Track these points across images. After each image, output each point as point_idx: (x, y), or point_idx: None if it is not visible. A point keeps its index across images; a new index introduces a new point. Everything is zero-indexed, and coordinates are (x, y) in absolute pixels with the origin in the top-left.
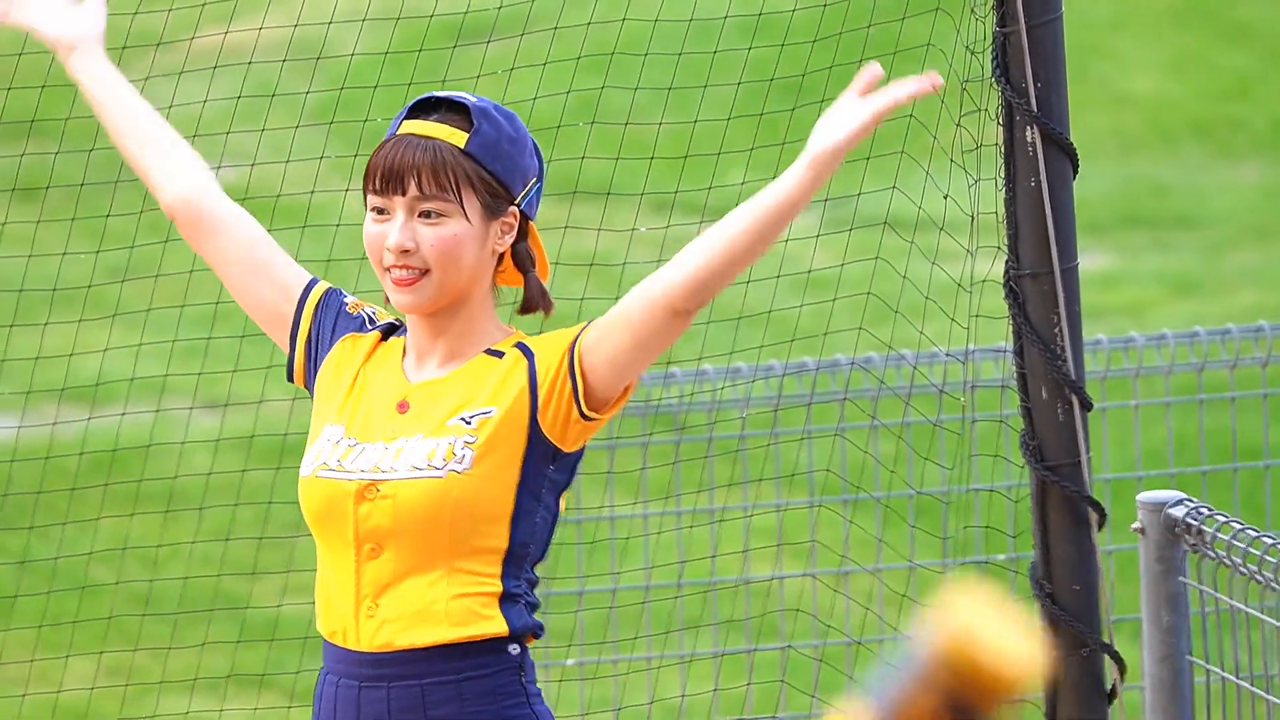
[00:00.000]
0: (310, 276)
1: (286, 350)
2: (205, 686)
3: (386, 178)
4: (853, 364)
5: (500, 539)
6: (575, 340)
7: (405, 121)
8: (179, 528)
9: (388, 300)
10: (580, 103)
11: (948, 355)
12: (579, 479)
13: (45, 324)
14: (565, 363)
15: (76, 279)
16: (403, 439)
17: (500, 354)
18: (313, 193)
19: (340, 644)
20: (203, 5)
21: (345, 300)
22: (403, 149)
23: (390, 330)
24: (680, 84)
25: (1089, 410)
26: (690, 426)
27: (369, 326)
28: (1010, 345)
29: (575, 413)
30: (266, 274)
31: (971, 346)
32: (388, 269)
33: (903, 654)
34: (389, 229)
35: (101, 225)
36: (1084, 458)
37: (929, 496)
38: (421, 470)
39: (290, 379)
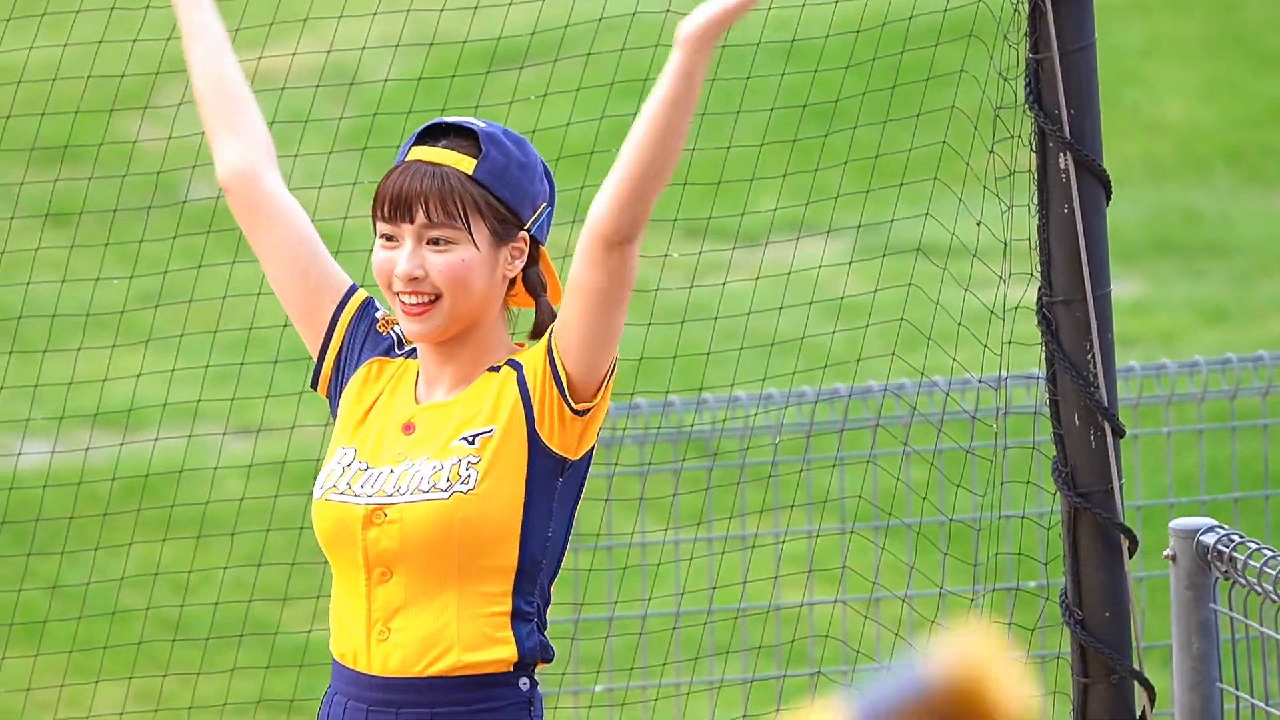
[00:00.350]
0: (350, 282)
1: (315, 354)
2: (235, 712)
3: (394, 205)
4: (885, 390)
5: (510, 557)
6: (548, 337)
7: (414, 148)
8: (210, 553)
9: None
10: (613, 129)
11: (980, 382)
12: (609, 505)
13: (78, 349)
14: (545, 362)
15: (109, 304)
16: (409, 461)
17: (497, 369)
18: (345, 218)
19: (351, 666)
20: (234, 31)
21: (377, 315)
22: (410, 176)
23: (412, 351)
24: (713, 110)
25: (1121, 437)
26: (722, 452)
27: (396, 351)
28: (1043, 372)
29: (566, 410)
30: (312, 273)
31: (1004, 373)
32: (397, 294)
33: (903, 673)
34: (397, 256)
35: (134, 250)
36: (1116, 484)
37: (960, 523)
38: (427, 493)
39: (314, 386)
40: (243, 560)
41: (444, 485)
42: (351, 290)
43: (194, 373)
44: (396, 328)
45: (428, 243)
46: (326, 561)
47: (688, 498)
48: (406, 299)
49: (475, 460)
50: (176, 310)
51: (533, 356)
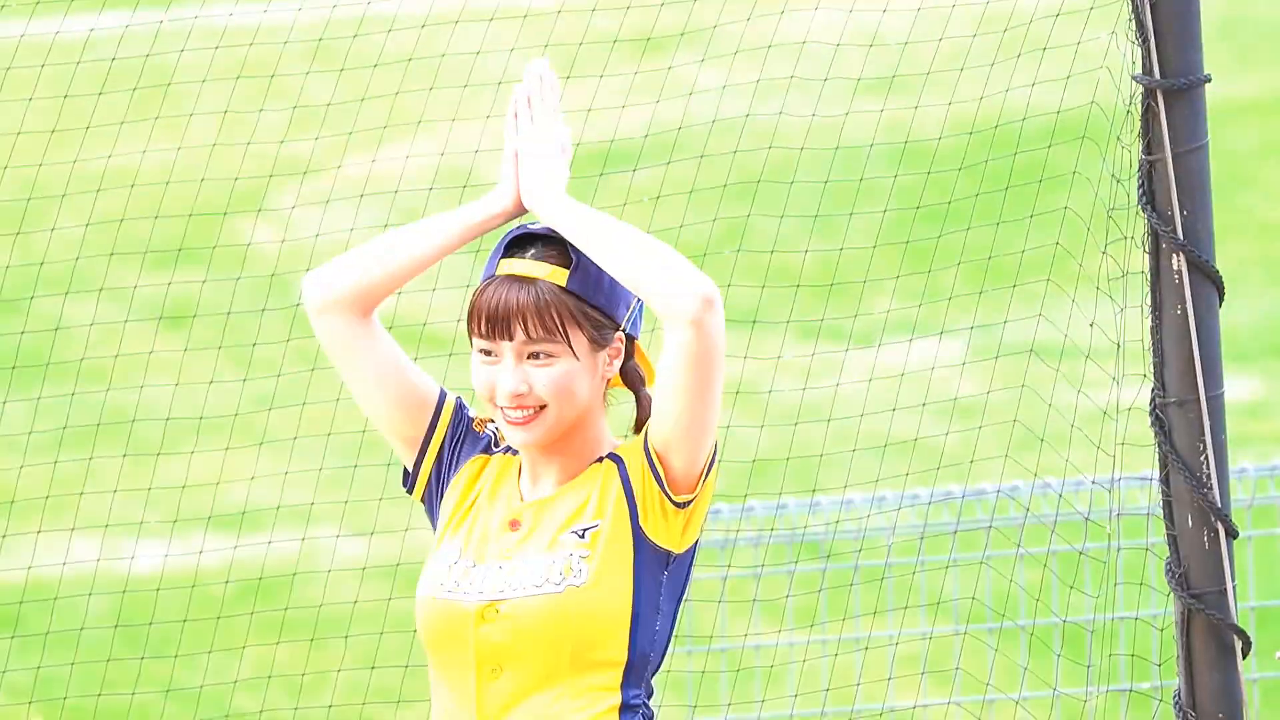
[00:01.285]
0: (438, 389)
1: (410, 462)
2: None
3: (492, 323)
4: (999, 492)
5: (620, 651)
6: (645, 432)
7: (503, 260)
8: (325, 655)
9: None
10: (727, 230)
11: (1094, 483)
12: (723, 606)
13: (192, 452)
14: (644, 456)
15: (223, 407)
16: (518, 557)
17: (599, 461)
18: (460, 320)
19: None
20: (350, 134)
21: (470, 416)
22: (505, 293)
23: (500, 449)
24: (826, 211)
25: (1234, 538)
26: (836, 554)
27: (494, 449)
28: (1156, 473)
29: (668, 503)
30: (403, 392)
31: (1117, 474)
32: (500, 408)
33: None
34: (498, 373)
35: (249, 354)
36: (1229, 585)
37: (1074, 624)
38: (540, 587)
39: (409, 490)
40: (357, 662)
41: (556, 579)
42: (442, 397)
43: (308, 475)
44: (491, 426)
45: (528, 357)
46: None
47: (801, 599)
48: (511, 412)
49: (585, 554)
50: (290, 413)
51: (633, 450)
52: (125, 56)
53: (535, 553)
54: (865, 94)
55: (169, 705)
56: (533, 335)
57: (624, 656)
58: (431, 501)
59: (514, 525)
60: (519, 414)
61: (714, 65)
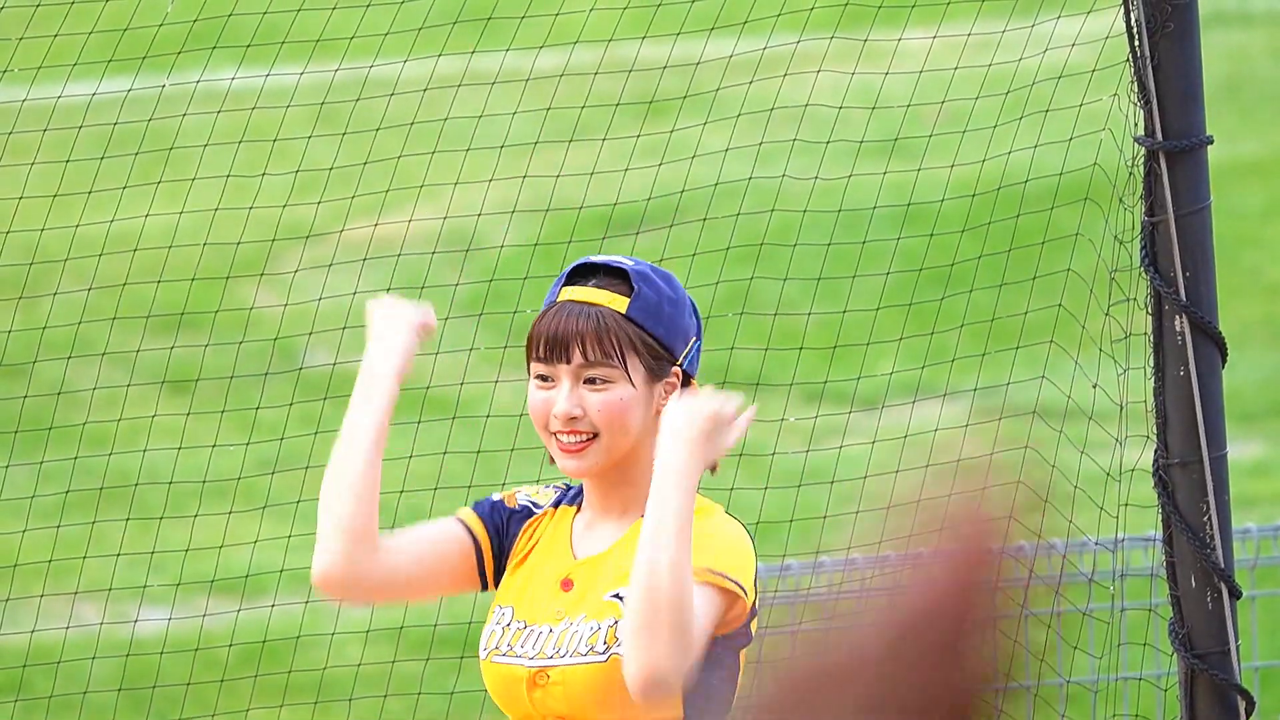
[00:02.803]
0: (455, 520)
1: (481, 588)
2: None
3: (550, 346)
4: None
5: (675, 708)
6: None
7: (565, 288)
8: (328, 719)
9: (552, 461)
10: (730, 293)
11: (1097, 544)
12: None
13: (195, 516)
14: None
15: (227, 471)
16: (567, 620)
17: None
18: (462, 384)
19: None
20: (352, 197)
21: (497, 500)
22: (565, 316)
23: (558, 500)
24: (830, 274)
25: (1238, 598)
26: (839, 615)
27: (535, 509)
28: (1159, 534)
29: None
30: (444, 560)
31: (1121, 535)
32: (554, 434)
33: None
34: (555, 396)
35: (252, 417)
36: (1233, 646)
37: (1079, 685)
38: (585, 656)
39: (486, 589)
40: None
41: (601, 648)
42: (468, 528)
43: (312, 538)
44: (521, 496)
45: (584, 382)
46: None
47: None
48: (564, 438)
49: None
50: (294, 476)
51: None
52: (127, 121)
53: (583, 616)
54: (868, 156)
55: None
56: (590, 358)
57: (680, 712)
58: (498, 581)
59: (566, 585)
60: (571, 440)
61: (716, 128)
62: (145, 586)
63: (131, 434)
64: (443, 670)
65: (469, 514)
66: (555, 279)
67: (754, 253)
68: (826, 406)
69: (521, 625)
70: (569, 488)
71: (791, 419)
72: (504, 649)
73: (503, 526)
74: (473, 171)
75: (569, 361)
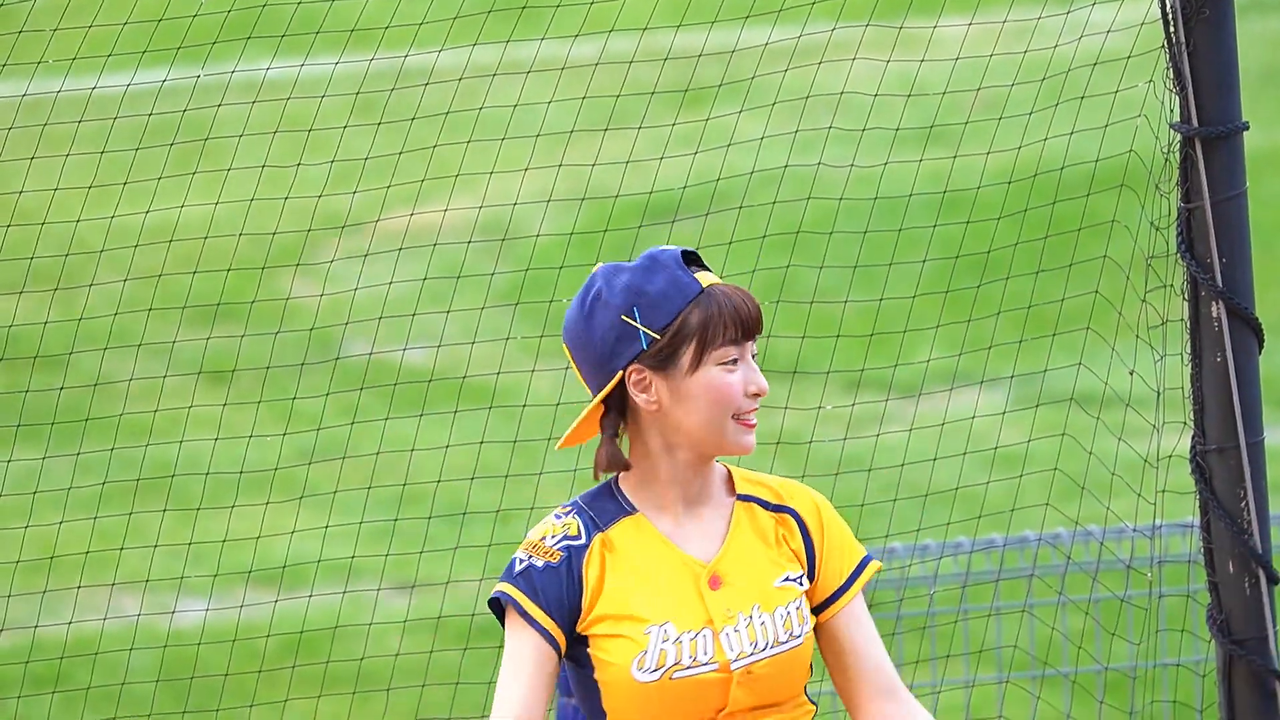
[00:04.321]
0: (538, 640)
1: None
2: None
3: (748, 326)
4: (1040, 540)
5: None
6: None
7: (699, 273)
8: (368, 709)
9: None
10: (768, 281)
11: (1135, 531)
12: None
13: (233, 506)
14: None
15: (265, 461)
16: (743, 615)
17: (748, 499)
18: (499, 373)
19: None
20: (389, 187)
21: (540, 567)
22: (742, 299)
23: (590, 532)
24: (867, 261)
25: (1275, 584)
26: (879, 604)
27: (577, 542)
28: (1197, 520)
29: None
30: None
31: (1158, 522)
32: (741, 415)
33: None
34: (747, 375)
35: (289, 407)
36: (1270, 631)
37: (1117, 672)
38: (786, 644)
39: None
40: (400, 716)
41: (797, 631)
42: (552, 643)
43: (350, 528)
44: (551, 542)
45: (753, 358)
46: (483, 717)
47: None
48: (750, 416)
49: (800, 604)
50: (332, 466)
51: (830, 532)
52: (163, 111)
53: (759, 606)
54: (905, 144)
55: None
56: (758, 336)
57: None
58: (573, 625)
59: (715, 583)
60: (754, 416)
61: (753, 116)
62: (184, 577)
63: (169, 425)
64: (482, 660)
65: (544, 619)
66: (655, 268)
67: (791, 240)
68: (865, 394)
69: (693, 635)
70: (579, 508)
71: (829, 407)
72: (687, 662)
73: (564, 591)
74: (509, 160)
75: (753, 339)
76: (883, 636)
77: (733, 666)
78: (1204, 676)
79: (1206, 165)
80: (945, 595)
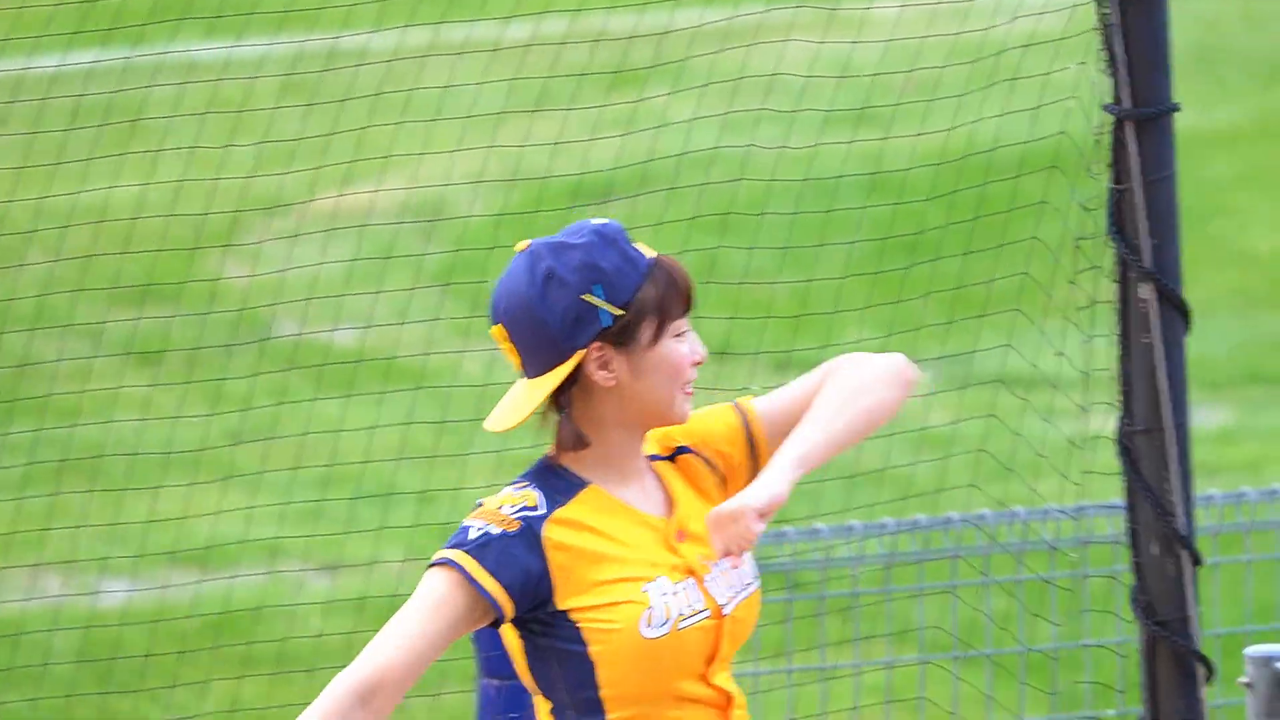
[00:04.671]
0: (490, 605)
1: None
2: None
3: (690, 296)
4: (965, 521)
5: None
6: (750, 422)
7: (639, 245)
8: (290, 690)
9: (661, 424)
10: (699, 262)
11: (1060, 512)
12: None
13: (159, 487)
14: (745, 447)
15: (192, 442)
16: (715, 564)
17: (654, 458)
18: (429, 354)
19: None
20: (319, 168)
21: (494, 533)
22: (680, 269)
23: (550, 505)
24: (797, 242)
25: (1199, 565)
26: (802, 584)
27: (536, 513)
28: (1122, 501)
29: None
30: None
31: (1084, 503)
32: (686, 385)
33: None
34: (694, 343)
35: (217, 388)
36: (1193, 613)
37: (1039, 652)
38: (750, 584)
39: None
40: None
41: (752, 570)
42: (493, 602)
43: (274, 509)
44: (508, 511)
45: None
46: (406, 699)
47: (768, 629)
48: (690, 385)
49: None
50: (257, 448)
51: (679, 431)
52: (94, 92)
53: (722, 555)
54: (836, 125)
55: None
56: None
57: None
58: (547, 598)
59: (682, 537)
60: (691, 386)
61: (685, 97)
62: (107, 558)
63: (96, 405)
64: None
65: (493, 585)
66: (605, 244)
67: (722, 221)
68: (794, 374)
69: (683, 587)
70: (533, 482)
71: (758, 388)
72: (688, 612)
73: (528, 560)
74: (441, 142)
75: (692, 309)
76: (807, 617)
77: (724, 611)
78: (1126, 657)
79: (1137, 147)
80: (869, 576)
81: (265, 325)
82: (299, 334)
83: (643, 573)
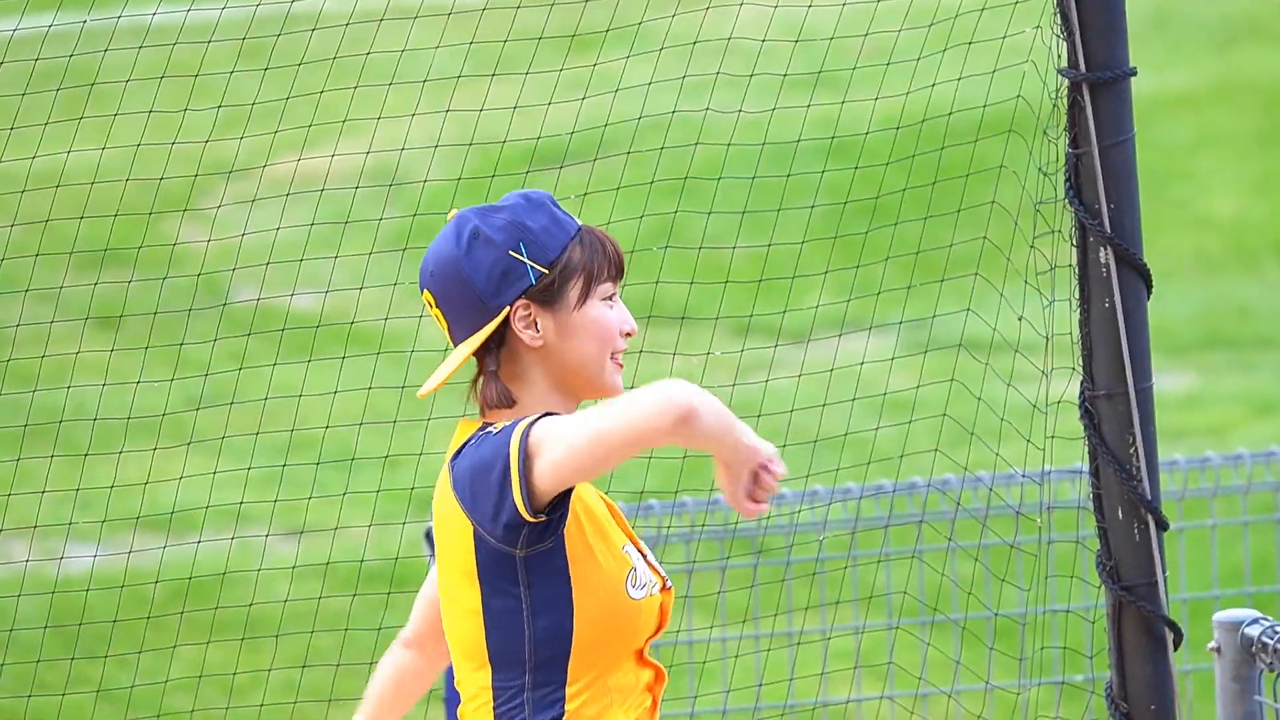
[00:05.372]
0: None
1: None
2: None
3: (619, 265)
4: (929, 486)
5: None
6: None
7: (568, 213)
8: (257, 655)
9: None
10: (657, 227)
11: (1024, 477)
12: None
13: (121, 452)
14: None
15: (152, 407)
16: (642, 540)
17: None
18: (387, 318)
19: None
20: (276, 133)
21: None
22: (610, 238)
23: None
24: (756, 207)
25: (1165, 530)
26: (768, 549)
27: None
28: (1086, 466)
29: None
30: None
31: (1048, 468)
32: (616, 355)
33: None
34: (621, 313)
35: (177, 353)
36: (1160, 578)
37: (1006, 618)
38: (661, 562)
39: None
40: (289, 662)
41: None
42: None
43: (238, 475)
44: None
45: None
46: (372, 662)
47: (734, 594)
48: (621, 356)
49: None
50: (220, 413)
51: None
52: (49, 57)
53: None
54: (793, 90)
55: (101, 706)
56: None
57: None
58: (555, 528)
59: (613, 512)
60: (621, 356)
61: (641, 61)
62: (72, 523)
63: (57, 371)
64: (370, 606)
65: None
66: (533, 206)
67: (679, 186)
68: (753, 340)
69: (639, 558)
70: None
71: (718, 352)
72: (650, 583)
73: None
74: (397, 106)
75: (623, 278)
76: (771, 583)
77: (668, 584)
78: (1094, 622)
79: (1094, 111)
80: (834, 541)
81: (224, 290)
82: (257, 299)
83: (616, 537)
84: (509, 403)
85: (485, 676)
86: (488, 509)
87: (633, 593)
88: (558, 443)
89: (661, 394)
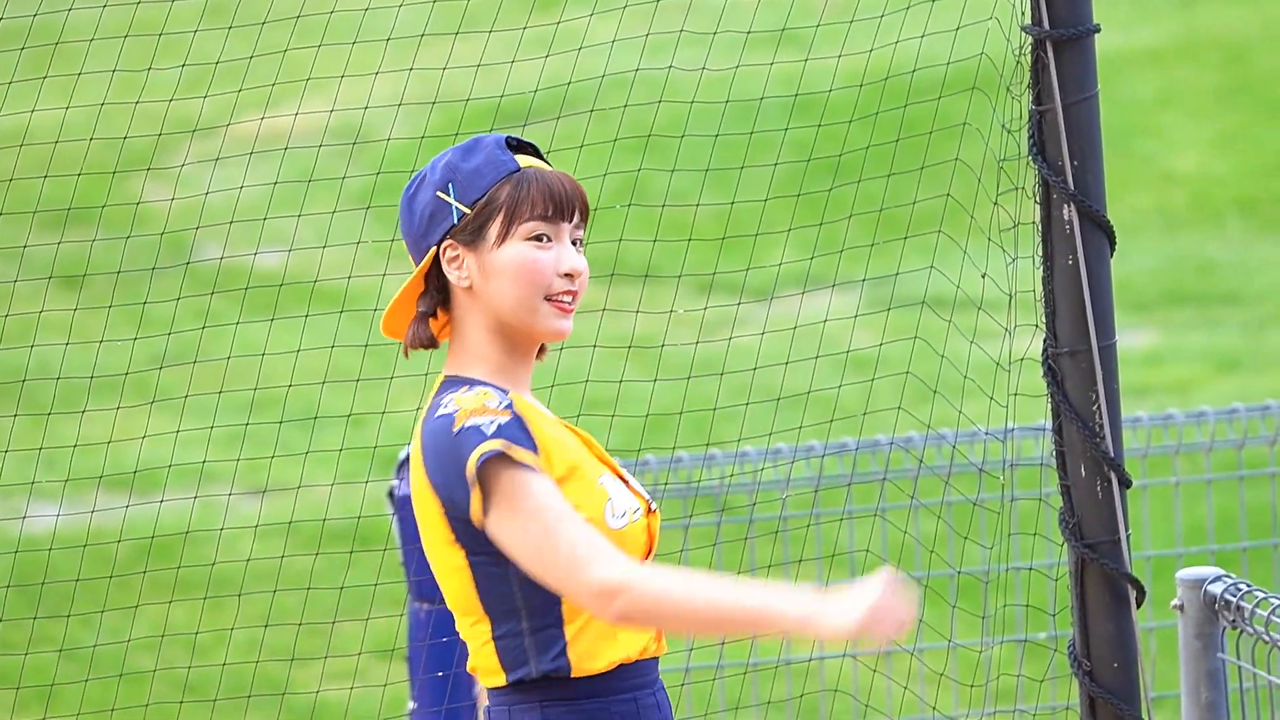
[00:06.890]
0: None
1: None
2: None
3: (559, 205)
4: (893, 444)
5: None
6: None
7: (520, 157)
8: (220, 614)
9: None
10: (620, 184)
11: (987, 434)
12: None
13: (84, 411)
14: None
15: (116, 365)
16: (622, 467)
17: None
18: (351, 277)
19: (653, 654)
20: (239, 91)
21: (503, 422)
22: (559, 179)
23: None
24: (719, 164)
25: (1128, 487)
26: (731, 508)
27: (507, 400)
28: (1049, 423)
29: None
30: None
31: (1011, 425)
32: (553, 296)
33: None
34: (560, 254)
35: (141, 312)
36: (1123, 535)
37: (969, 575)
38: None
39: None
40: (253, 620)
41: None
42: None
43: (202, 433)
44: (496, 403)
45: (574, 243)
46: (337, 621)
47: (697, 552)
48: (565, 298)
49: None
50: (183, 371)
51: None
52: (13, 16)
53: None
54: (756, 47)
55: (64, 665)
56: (582, 218)
57: None
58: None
59: (589, 445)
60: (568, 299)
61: (605, 19)
62: (35, 482)
63: (21, 329)
64: (334, 565)
65: (540, 463)
66: (476, 149)
67: (643, 144)
68: (717, 297)
69: (618, 485)
70: (468, 386)
71: (682, 310)
72: (631, 508)
73: (531, 445)
74: (361, 64)
75: (569, 221)
76: (735, 541)
77: (652, 507)
78: (1057, 580)
79: (1058, 68)
80: (798, 499)
81: (187, 248)
82: (221, 257)
83: (591, 469)
84: (427, 344)
85: (485, 630)
86: (450, 496)
87: (612, 523)
88: (512, 523)
89: (599, 584)
